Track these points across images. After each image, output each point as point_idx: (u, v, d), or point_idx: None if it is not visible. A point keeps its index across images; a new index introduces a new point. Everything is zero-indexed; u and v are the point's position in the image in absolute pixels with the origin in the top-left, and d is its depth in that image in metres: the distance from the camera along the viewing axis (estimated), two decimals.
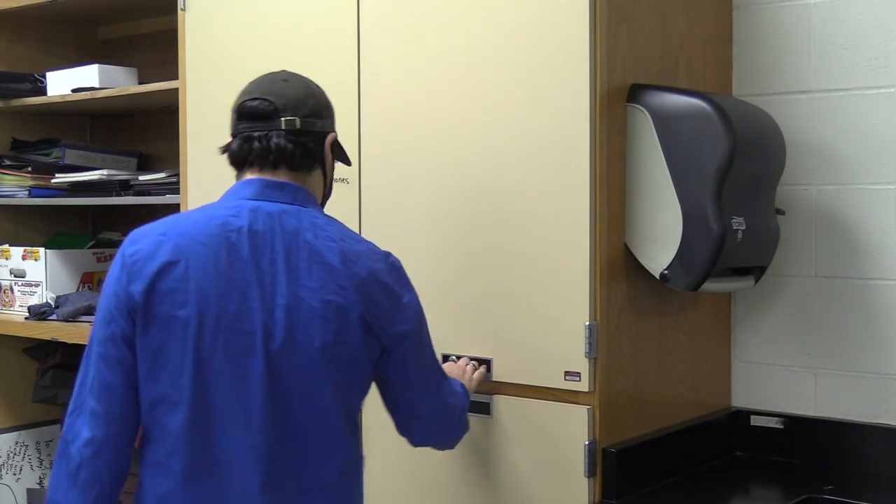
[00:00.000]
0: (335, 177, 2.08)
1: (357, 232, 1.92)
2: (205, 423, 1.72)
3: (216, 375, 1.71)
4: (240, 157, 1.84)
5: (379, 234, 2.25)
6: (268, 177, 1.82)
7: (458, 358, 2.21)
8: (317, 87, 1.91)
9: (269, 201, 1.79)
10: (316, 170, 1.88)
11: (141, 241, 1.76)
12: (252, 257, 1.73)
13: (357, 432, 1.88)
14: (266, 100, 1.82)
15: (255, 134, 1.81)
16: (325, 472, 1.77)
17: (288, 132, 1.81)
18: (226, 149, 1.86)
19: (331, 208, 1.97)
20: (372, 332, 1.77)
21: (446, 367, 2.15)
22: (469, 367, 2.16)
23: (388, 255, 1.84)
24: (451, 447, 2.08)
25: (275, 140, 1.81)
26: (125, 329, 1.73)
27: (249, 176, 1.83)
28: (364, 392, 1.86)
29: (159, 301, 1.71)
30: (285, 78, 1.89)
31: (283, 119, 1.81)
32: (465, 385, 2.08)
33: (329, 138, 1.89)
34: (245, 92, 1.87)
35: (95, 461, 1.73)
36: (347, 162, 2.03)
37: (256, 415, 1.71)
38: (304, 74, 1.97)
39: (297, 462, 1.75)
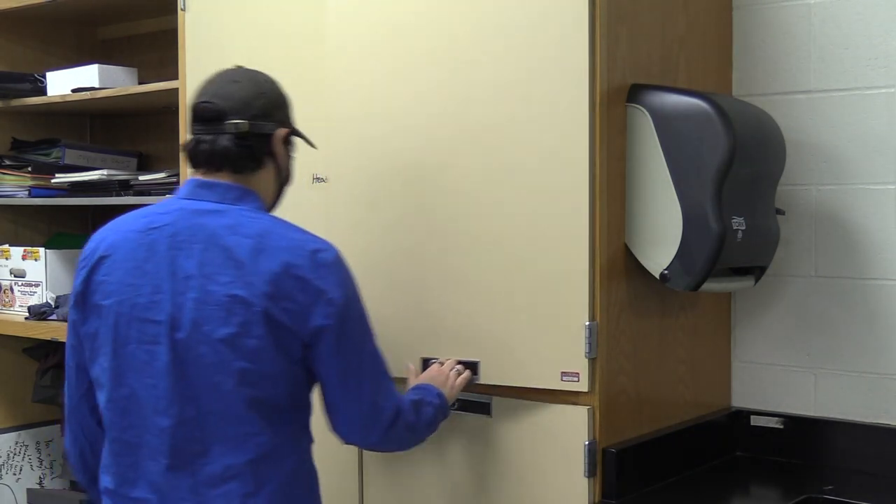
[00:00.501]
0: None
1: (301, 227, 1.91)
2: (122, 405, 1.88)
3: (129, 361, 1.87)
4: (191, 158, 1.95)
5: (369, 233, 2.25)
6: (206, 177, 1.93)
7: (444, 362, 2.18)
8: (269, 83, 1.98)
9: (199, 200, 1.90)
10: (264, 168, 1.95)
11: (93, 238, 1.98)
12: (168, 253, 1.85)
13: (286, 424, 1.88)
14: (213, 103, 1.92)
15: (204, 137, 1.92)
16: (235, 458, 1.84)
17: (234, 135, 1.90)
18: (184, 148, 1.98)
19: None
20: (282, 325, 1.80)
21: (430, 371, 2.15)
22: (452, 373, 2.14)
23: (317, 250, 1.84)
24: (400, 450, 2.08)
25: (220, 143, 1.90)
26: (75, 318, 1.97)
27: (192, 176, 1.95)
28: (288, 384, 1.86)
29: (93, 291, 1.92)
30: (236, 79, 1.97)
31: (228, 122, 1.90)
32: (446, 391, 2.09)
33: (278, 134, 1.95)
34: (197, 92, 1.96)
35: (69, 426, 2.07)
36: (312, 145, 2.10)
37: (162, 399, 1.84)
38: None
39: (201, 446, 1.84)
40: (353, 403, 1.90)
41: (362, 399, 1.90)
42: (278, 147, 1.96)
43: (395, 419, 1.93)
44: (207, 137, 1.91)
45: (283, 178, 2.02)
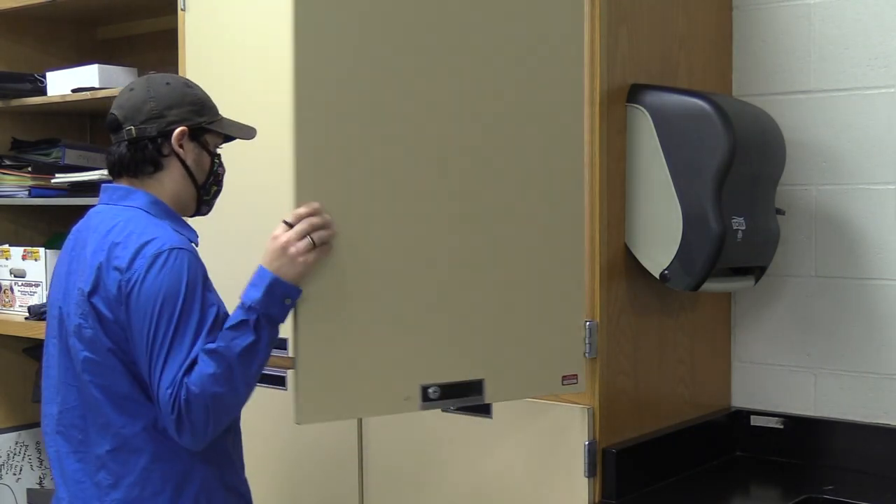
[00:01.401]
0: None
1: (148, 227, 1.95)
2: (43, 391, 2.06)
3: (45, 351, 2.06)
4: (107, 166, 2.08)
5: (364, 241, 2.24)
6: (113, 183, 2.06)
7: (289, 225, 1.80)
8: (164, 86, 2.02)
9: (101, 203, 2.05)
10: (165, 169, 2.01)
11: None
12: (69, 253, 2.04)
13: (139, 416, 1.89)
14: (112, 114, 2.04)
15: (110, 147, 2.05)
16: (100, 448, 1.93)
17: (128, 142, 2.00)
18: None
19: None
20: (104, 316, 1.89)
21: (271, 242, 1.81)
22: (299, 244, 1.76)
23: (146, 243, 1.88)
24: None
25: (117, 152, 2.02)
26: None
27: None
28: (128, 375, 1.90)
29: None
30: (133, 86, 2.06)
31: (123, 130, 2.01)
32: (282, 272, 1.78)
33: (177, 133, 1.99)
34: None
35: None
36: (245, 137, 2.14)
37: (51, 388, 2.01)
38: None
39: (79, 434, 1.95)
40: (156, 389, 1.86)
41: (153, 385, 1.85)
42: (177, 146, 2.00)
43: (175, 398, 1.81)
44: (111, 147, 2.04)
45: (200, 176, 2.04)
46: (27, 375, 3.48)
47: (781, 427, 2.44)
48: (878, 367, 2.36)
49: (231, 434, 1.99)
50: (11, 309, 3.29)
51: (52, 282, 2.10)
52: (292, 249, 1.76)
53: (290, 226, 1.77)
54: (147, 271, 1.86)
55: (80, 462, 1.95)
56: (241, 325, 1.81)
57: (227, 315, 1.88)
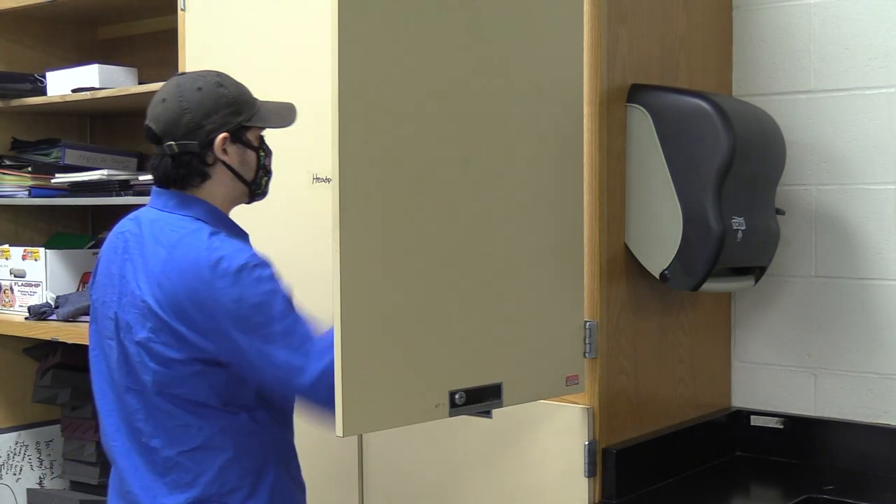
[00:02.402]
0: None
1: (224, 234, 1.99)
2: (94, 389, 2.08)
3: (92, 351, 2.08)
4: (152, 176, 2.08)
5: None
6: (162, 188, 2.07)
7: None
8: (195, 93, 1.99)
9: (153, 208, 2.05)
10: (212, 177, 2.02)
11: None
12: (122, 256, 2.01)
13: (216, 419, 1.96)
14: (149, 127, 2.02)
15: (153, 160, 2.05)
16: (172, 449, 1.96)
17: (171, 157, 2.00)
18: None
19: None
20: (182, 332, 1.90)
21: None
22: None
23: (220, 259, 1.89)
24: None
25: (161, 166, 2.02)
26: None
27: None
28: (209, 384, 1.94)
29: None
30: (164, 97, 2.02)
31: (164, 145, 2.00)
32: None
33: (218, 141, 1.99)
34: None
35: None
36: (284, 124, 2.12)
37: (107, 389, 2.03)
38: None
39: (143, 437, 1.98)
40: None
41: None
42: (221, 153, 2.00)
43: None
44: (153, 160, 2.04)
45: (247, 173, 2.05)
46: (27, 375, 3.48)
47: (781, 427, 2.44)
48: (878, 367, 2.36)
49: (292, 428, 2.09)
50: (11, 309, 3.29)
51: (97, 280, 2.09)
52: None
53: None
54: (234, 284, 1.87)
55: (148, 462, 1.97)
56: None
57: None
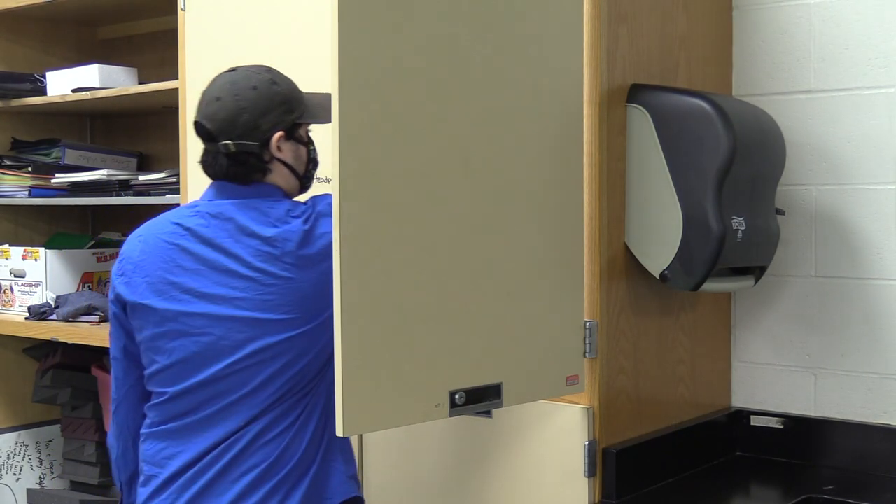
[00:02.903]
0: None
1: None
2: None
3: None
4: (204, 170, 2.06)
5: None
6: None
7: None
8: (251, 91, 1.99)
9: (222, 200, 2.02)
10: (271, 172, 2.02)
11: None
12: (199, 249, 1.99)
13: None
14: (202, 124, 2.00)
15: (206, 156, 2.03)
16: None
17: (226, 155, 1.98)
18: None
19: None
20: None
21: None
22: None
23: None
24: None
25: (218, 163, 2.00)
26: None
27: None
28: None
29: None
30: (219, 95, 2.00)
31: (220, 143, 1.98)
32: None
33: (275, 139, 1.99)
34: (198, 102, 2.04)
35: (115, 420, 2.15)
36: (327, 120, 2.06)
37: None
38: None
39: None
40: None
41: None
42: (277, 151, 2.00)
43: None
44: (207, 158, 2.02)
45: (300, 168, 2.07)
46: (27, 375, 3.48)
47: (781, 427, 2.44)
48: (878, 367, 2.36)
49: None
50: (11, 309, 3.29)
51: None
52: None
53: None
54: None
55: None
56: None
57: None
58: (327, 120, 2.00)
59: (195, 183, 2.70)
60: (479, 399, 1.89)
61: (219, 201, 2.01)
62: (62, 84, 3.16)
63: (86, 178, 3.16)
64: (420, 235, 1.83)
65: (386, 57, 1.83)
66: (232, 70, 2.06)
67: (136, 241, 2.03)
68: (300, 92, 2.07)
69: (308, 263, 1.92)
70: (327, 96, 2.03)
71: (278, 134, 2.00)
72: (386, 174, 1.79)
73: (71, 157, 3.33)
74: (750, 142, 2.15)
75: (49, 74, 3.21)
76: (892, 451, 2.31)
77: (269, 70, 2.07)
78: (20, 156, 3.41)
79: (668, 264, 2.12)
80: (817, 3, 2.42)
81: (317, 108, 2.07)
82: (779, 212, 2.34)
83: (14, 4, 3.28)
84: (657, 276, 2.15)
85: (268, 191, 2.02)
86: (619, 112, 2.14)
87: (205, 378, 1.93)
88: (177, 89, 2.75)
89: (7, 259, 3.30)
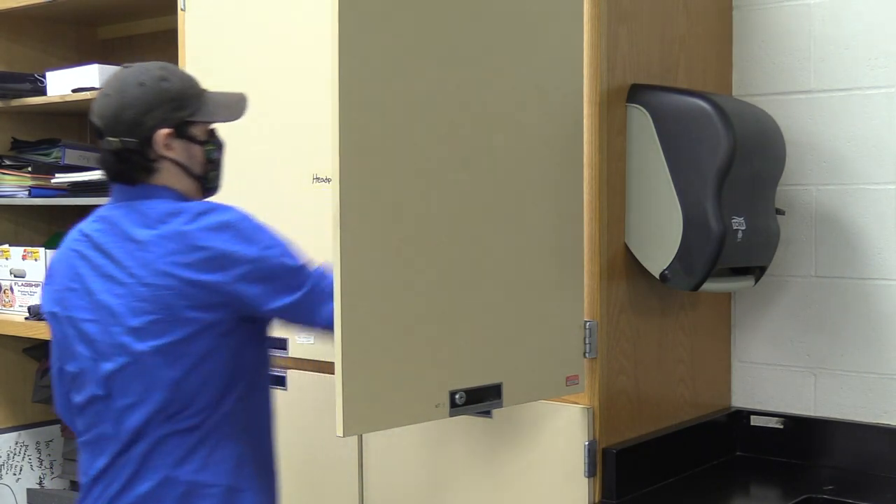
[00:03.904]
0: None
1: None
2: None
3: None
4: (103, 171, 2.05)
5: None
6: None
7: None
8: (135, 88, 1.94)
9: (115, 202, 2.04)
10: (159, 171, 1.97)
11: None
12: (92, 256, 2.01)
13: None
14: (93, 121, 1.98)
15: (101, 154, 2.00)
16: None
17: (112, 153, 1.96)
18: None
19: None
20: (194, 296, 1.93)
21: None
22: None
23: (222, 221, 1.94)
24: None
25: (106, 161, 1.99)
26: None
27: None
28: None
29: None
30: (107, 91, 1.97)
31: (106, 140, 1.96)
32: None
33: (158, 138, 1.94)
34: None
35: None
36: (231, 118, 2.07)
37: None
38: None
39: None
40: None
41: None
42: (163, 149, 1.95)
43: None
44: (100, 156, 2.00)
45: (196, 168, 2.01)
46: (27, 375, 3.48)
47: (781, 427, 2.44)
48: (878, 367, 2.36)
49: None
50: (11, 309, 3.29)
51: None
52: None
53: None
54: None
55: None
56: None
57: None
58: (228, 119, 2.05)
59: None
60: (480, 399, 1.89)
61: (112, 205, 2.01)
62: (62, 84, 3.16)
63: (86, 178, 3.16)
64: (420, 236, 1.83)
65: (385, 57, 1.83)
66: (127, 66, 2.01)
67: (55, 253, 2.11)
68: (198, 90, 2.02)
69: (177, 270, 1.87)
70: (234, 96, 2.08)
71: (165, 131, 1.94)
72: (385, 173, 1.79)
73: (71, 157, 3.32)
74: (750, 142, 2.15)
75: (49, 74, 3.21)
76: (892, 451, 2.31)
77: (164, 67, 2.01)
78: (20, 156, 3.41)
79: (668, 264, 2.12)
80: (817, 3, 2.42)
81: (216, 108, 2.03)
82: (779, 212, 2.34)
83: (14, 4, 3.28)
84: (657, 276, 2.15)
85: (154, 192, 1.97)
86: (619, 112, 2.14)
87: (95, 394, 1.93)
88: None
89: (7, 259, 3.30)
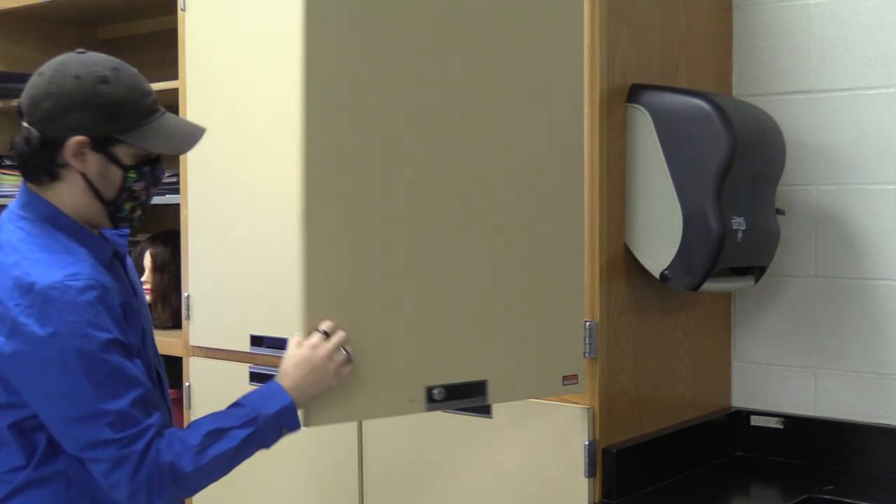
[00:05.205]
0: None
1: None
2: None
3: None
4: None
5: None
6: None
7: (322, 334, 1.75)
8: (70, 79, 1.68)
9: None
10: (63, 180, 1.72)
11: None
12: None
13: (29, 451, 1.71)
14: (20, 98, 1.74)
15: (15, 138, 1.74)
16: None
17: (25, 139, 1.71)
18: None
19: None
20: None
21: (296, 350, 1.75)
22: (336, 358, 1.74)
23: (31, 284, 1.63)
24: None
25: (16, 147, 1.73)
26: None
27: None
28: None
29: None
30: (42, 71, 1.72)
31: (23, 125, 1.72)
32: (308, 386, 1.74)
33: (72, 143, 1.68)
34: None
35: None
36: (170, 151, 1.79)
37: None
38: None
39: None
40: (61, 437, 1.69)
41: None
42: (73, 157, 1.69)
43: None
44: (15, 139, 1.74)
45: (107, 191, 1.74)
46: None
47: (781, 427, 2.44)
48: (878, 367, 2.36)
49: None
50: None
51: None
52: (332, 363, 1.72)
53: (326, 335, 1.72)
54: (34, 310, 1.62)
55: None
56: (230, 431, 1.70)
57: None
58: (166, 151, 1.78)
59: (195, 183, 2.71)
60: (463, 395, 1.89)
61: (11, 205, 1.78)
62: None
63: None
64: (396, 233, 1.85)
65: (359, 66, 1.85)
66: (81, 52, 1.74)
67: None
68: (143, 108, 1.72)
69: None
70: (189, 128, 1.81)
71: (79, 138, 1.68)
72: (361, 171, 1.82)
73: None
74: (750, 142, 2.15)
75: None
76: (892, 451, 2.31)
77: (116, 69, 1.73)
78: None
79: (668, 264, 2.12)
80: (817, 3, 2.42)
81: (155, 135, 1.74)
82: (779, 212, 2.34)
83: (14, 4, 3.28)
84: (657, 276, 2.15)
85: (40, 207, 1.72)
86: (619, 112, 2.14)
87: None
88: (177, 89, 2.75)
89: None
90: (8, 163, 3.36)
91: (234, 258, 2.58)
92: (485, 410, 2.20)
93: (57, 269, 1.64)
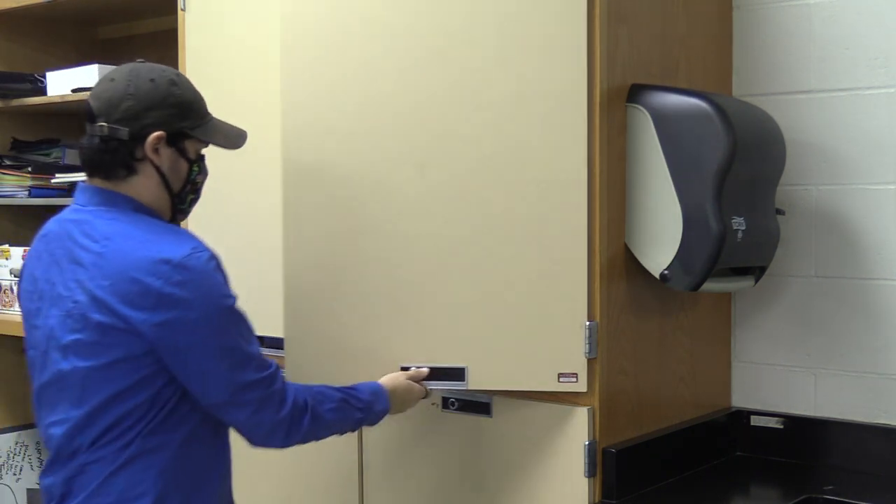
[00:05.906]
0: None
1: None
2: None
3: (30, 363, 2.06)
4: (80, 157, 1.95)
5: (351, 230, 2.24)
6: (88, 183, 1.93)
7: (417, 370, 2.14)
8: (145, 82, 1.88)
9: (77, 205, 1.93)
10: (140, 174, 1.89)
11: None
12: (48, 259, 1.94)
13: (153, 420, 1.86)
14: (89, 102, 1.90)
15: (83, 139, 1.90)
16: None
17: (100, 139, 1.86)
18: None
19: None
20: (118, 327, 1.79)
21: (403, 376, 2.10)
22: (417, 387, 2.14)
23: (168, 259, 1.78)
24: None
25: (90, 147, 1.88)
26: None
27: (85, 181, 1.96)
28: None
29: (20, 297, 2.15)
30: (113, 77, 1.90)
31: (96, 125, 1.87)
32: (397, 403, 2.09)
33: (151, 138, 1.86)
34: None
35: None
36: (229, 146, 2.01)
37: (45, 398, 2.03)
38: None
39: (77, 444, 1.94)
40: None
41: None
42: (152, 152, 1.87)
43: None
44: (84, 140, 1.90)
45: (175, 183, 1.93)
46: (27, 375, 3.47)
47: (781, 427, 2.44)
48: (878, 367, 2.36)
49: None
50: (11, 309, 3.29)
51: (24, 289, 2.08)
52: (415, 396, 2.13)
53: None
54: (184, 283, 1.80)
55: None
56: (353, 408, 2.01)
57: None
58: (225, 146, 2.01)
59: None
60: (440, 377, 2.11)
61: (75, 207, 1.94)
62: (62, 84, 3.16)
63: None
64: (388, 223, 1.98)
65: (380, 55, 1.85)
66: (142, 62, 1.94)
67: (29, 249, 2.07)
68: (205, 109, 1.97)
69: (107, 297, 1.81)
70: (236, 129, 2.04)
71: (158, 133, 1.87)
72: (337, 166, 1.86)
73: (71, 157, 3.33)
74: (750, 142, 2.15)
75: (49, 74, 3.21)
76: (892, 451, 2.31)
77: (179, 75, 1.95)
78: (20, 156, 3.41)
79: (668, 264, 2.12)
80: (817, 3, 2.42)
81: (216, 132, 1.97)
82: (779, 212, 2.34)
83: (14, 4, 3.28)
84: (657, 276, 2.15)
85: (118, 201, 1.89)
86: (619, 112, 2.14)
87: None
88: None
89: (7, 259, 3.30)
90: (8, 163, 3.36)
91: (233, 258, 2.58)
92: (485, 410, 2.20)
93: (181, 244, 1.82)
